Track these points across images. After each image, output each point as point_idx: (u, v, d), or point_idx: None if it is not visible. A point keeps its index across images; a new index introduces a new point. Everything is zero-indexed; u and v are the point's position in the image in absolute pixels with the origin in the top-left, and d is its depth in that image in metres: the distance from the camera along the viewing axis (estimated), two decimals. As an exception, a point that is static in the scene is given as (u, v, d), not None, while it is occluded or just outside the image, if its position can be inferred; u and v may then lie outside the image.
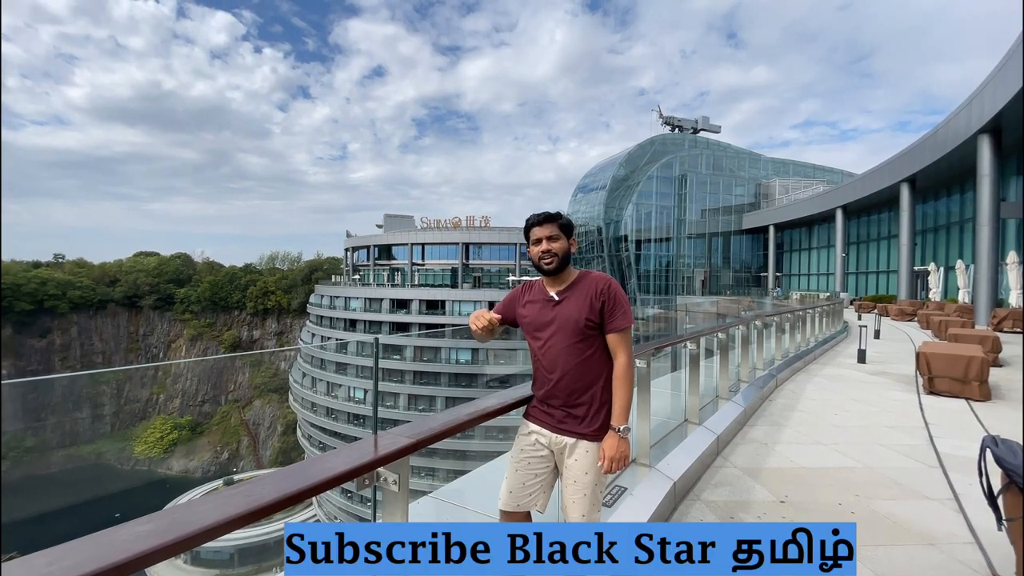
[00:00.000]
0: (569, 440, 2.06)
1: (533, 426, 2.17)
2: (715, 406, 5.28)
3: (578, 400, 2.06)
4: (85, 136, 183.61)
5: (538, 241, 2.12)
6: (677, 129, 57.54)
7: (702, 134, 57.76)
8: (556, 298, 2.12)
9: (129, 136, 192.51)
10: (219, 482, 61.17)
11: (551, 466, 2.14)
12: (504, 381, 49.22)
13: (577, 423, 2.05)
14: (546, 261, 2.10)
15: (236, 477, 63.82)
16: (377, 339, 2.07)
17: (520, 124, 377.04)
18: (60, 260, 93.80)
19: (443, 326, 50.97)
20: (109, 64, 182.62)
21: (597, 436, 2.04)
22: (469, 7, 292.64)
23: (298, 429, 60.35)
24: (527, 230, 2.17)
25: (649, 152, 51.76)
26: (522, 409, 2.25)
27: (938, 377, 7.06)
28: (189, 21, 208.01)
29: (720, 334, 5.43)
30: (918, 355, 7.31)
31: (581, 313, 2.04)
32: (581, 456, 2.03)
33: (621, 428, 1.99)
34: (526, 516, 2.12)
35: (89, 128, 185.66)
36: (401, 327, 51.85)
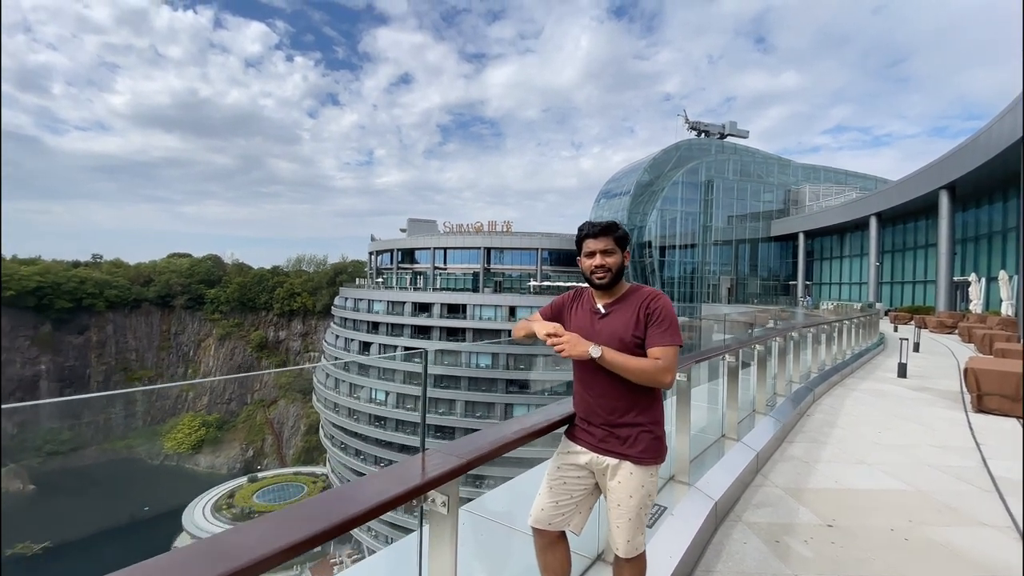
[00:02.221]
0: (611, 461, 1.96)
1: (574, 445, 2.07)
2: (752, 421, 5.09)
3: (620, 420, 1.95)
4: (125, 141, 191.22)
5: (591, 254, 2.02)
6: (703, 134, 56.74)
7: (729, 139, 56.82)
8: (603, 311, 2.02)
9: (166, 141, 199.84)
10: (244, 479, 62.49)
11: (589, 487, 2.04)
12: (524, 386, 49.03)
13: (619, 443, 1.95)
14: (599, 276, 2.00)
15: (260, 475, 65.07)
16: (426, 351, 1.97)
17: (543, 130, 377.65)
18: (98, 260, 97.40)
19: (464, 330, 51.01)
20: (149, 72, 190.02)
21: (642, 458, 1.93)
22: (495, 15, 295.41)
23: (321, 429, 61.19)
24: (580, 240, 2.08)
25: (674, 157, 51.13)
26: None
27: (988, 395, 6.70)
28: (225, 31, 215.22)
29: (758, 346, 5.25)
30: (966, 371, 6.95)
31: (628, 329, 1.93)
32: (625, 478, 1.93)
33: (594, 348, 1.82)
34: (560, 536, 2.03)
35: (129, 134, 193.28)
36: (422, 330, 52.15)
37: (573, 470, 2.03)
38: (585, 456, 2.01)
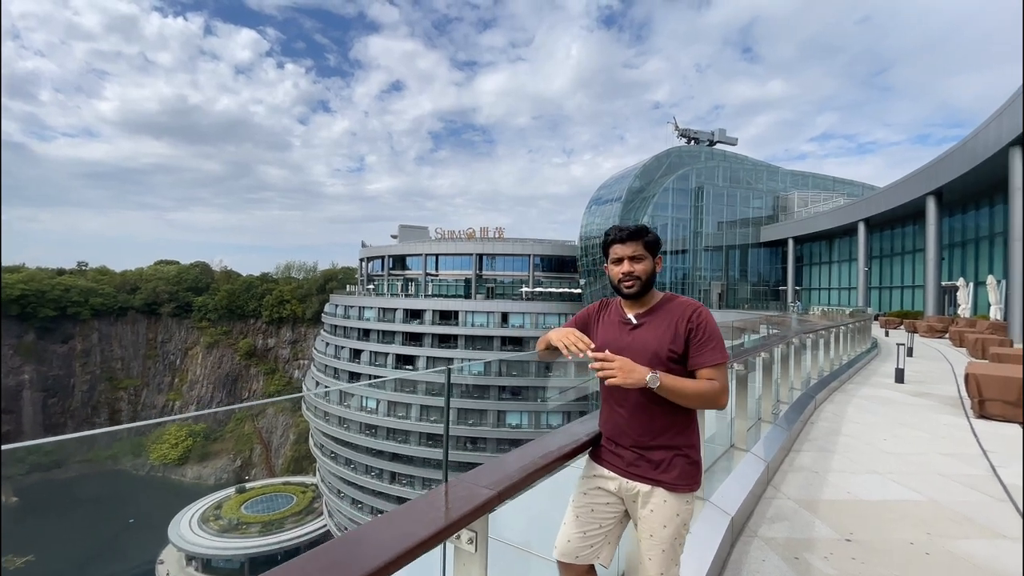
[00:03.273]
0: (643, 487, 1.79)
1: (600, 468, 1.91)
2: (758, 430, 4.99)
3: (653, 442, 1.79)
4: (114, 148, 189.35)
5: (619, 261, 1.87)
6: (693, 141, 57.24)
7: (719, 146, 57.36)
8: (634, 321, 1.87)
9: (156, 148, 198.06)
10: (231, 490, 61.37)
11: (618, 515, 1.87)
12: (516, 393, 48.76)
13: (652, 468, 1.78)
14: (627, 284, 1.84)
15: (248, 485, 63.95)
16: (449, 370, 1.82)
17: (535, 137, 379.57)
18: (83, 268, 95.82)
19: (456, 337, 50.71)
20: (139, 79, 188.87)
21: (677, 485, 1.76)
22: (486, 23, 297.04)
23: (310, 438, 60.34)
24: (606, 246, 1.92)
25: (665, 164, 51.48)
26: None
27: (990, 400, 6.67)
28: (215, 38, 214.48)
29: (763, 353, 5.16)
30: (967, 376, 6.93)
31: (663, 342, 1.77)
32: (659, 507, 1.76)
33: (650, 376, 1.65)
34: (588, 570, 1.87)
35: (118, 140, 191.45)
36: (414, 337, 51.76)
37: (601, 496, 1.87)
38: (614, 481, 1.86)
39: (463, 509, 1.22)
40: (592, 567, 1.88)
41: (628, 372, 1.65)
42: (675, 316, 1.81)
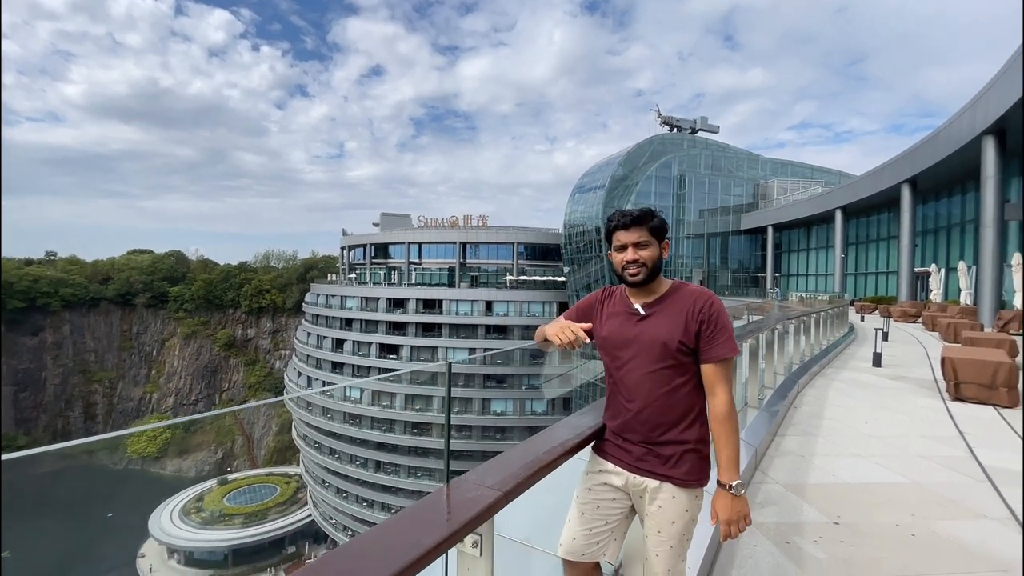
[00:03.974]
0: (651, 482, 1.73)
1: (605, 463, 1.84)
2: (744, 415, 5.04)
3: (663, 437, 1.73)
4: (81, 133, 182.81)
5: (622, 248, 1.78)
6: (676, 129, 57.39)
7: (700, 134, 57.63)
8: (641, 312, 1.78)
9: (125, 133, 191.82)
10: (213, 482, 60.67)
11: (625, 510, 1.82)
12: (501, 381, 48.95)
13: (661, 463, 1.72)
14: (632, 272, 1.75)
15: (230, 476, 63.28)
16: (450, 364, 1.74)
17: (518, 124, 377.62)
18: (52, 257, 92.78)
19: (440, 326, 50.54)
20: (106, 61, 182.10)
21: (687, 481, 1.71)
22: (468, 7, 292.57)
23: (293, 429, 59.83)
24: (609, 232, 1.83)
25: (648, 152, 51.57)
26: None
27: (965, 383, 6.85)
28: (187, 19, 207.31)
29: (750, 340, 5.19)
30: (943, 360, 7.10)
31: (672, 334, 1.70)
32: (667, 502, 1.71)
33: (734, 485, 1.64)
34: (594, 567, 1.83)
35: (85, 125, 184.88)
36: (397, 326, 51.42)
37: (607, 492, 1.81)
38: (620, 477, 1.79)
39: (468, 513, 1.14)
40: (598, 564, 1.83)
41: (740, 514, 1.66)
42: (685, 306, 1.73)
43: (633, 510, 1.84)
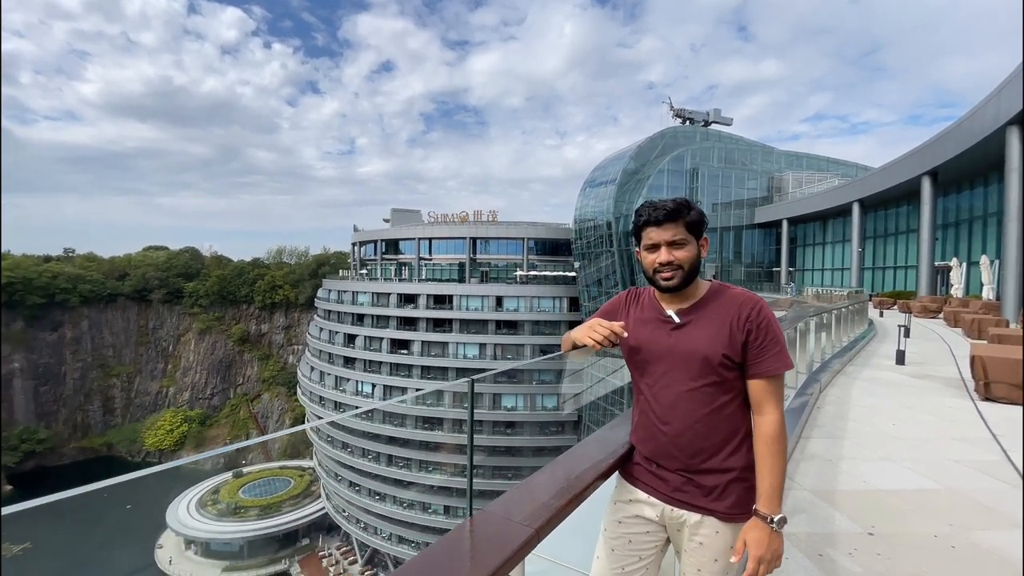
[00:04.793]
0: (691, 516, 1.54)
1: (636, 491, 1.64)
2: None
3: (704, 464, 1.52)
4: (97, 131, 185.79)
5: (654, 247, 1.56)
6: (688, 122, 56.66)
7: (714, 127, 56.81)
8: (676, 319, 1.57)
9: (140, 131, 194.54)
10: (228, 474, 61.56)
11: (659, 544, 1.63)
12: (511, 376, 48.91)
13: (702, 495, 1.53)
14: (665, 276, 1.54)
15: (245, 470, 64.16)
16: (472, 380, 1.61)
17: (528, 118, 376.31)
18: (70, 254, 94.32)
19: (451, 321, 50.55)
20: (121, 60, 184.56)
21: (731, 515, 1.51)
22: (478, 1, 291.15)
23: (306, 422, 60.43)
24: (638, 229, 1.61)
25: (660, 145, 50.97)
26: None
27: (995, 382, 6.61)
28: (200, 17, 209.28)
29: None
30: (973, 358, 6.86)
31: (714, 346, 1.49)
32: (710, 539, 1.52)
33: (775, 519, 1.43)
34: None
35: (101, 123, 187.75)
36: (408, 322, 51.57)
37: (639, 524, 1.62)
38: (654, 508, 1.60)
39: (496, 556, 0.97)
40: None
41: (775, 553, 1.42)
42: (729, 314, 1.53)
43: (668, 542, 1.66)
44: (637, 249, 1.67)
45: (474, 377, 1.51)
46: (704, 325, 1.54)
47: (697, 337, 1.53)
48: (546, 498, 1.27)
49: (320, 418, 53.71)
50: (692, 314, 1.58)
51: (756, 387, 1.51)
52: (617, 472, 1.72)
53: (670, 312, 1.60)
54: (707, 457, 1.53)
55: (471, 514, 1.17)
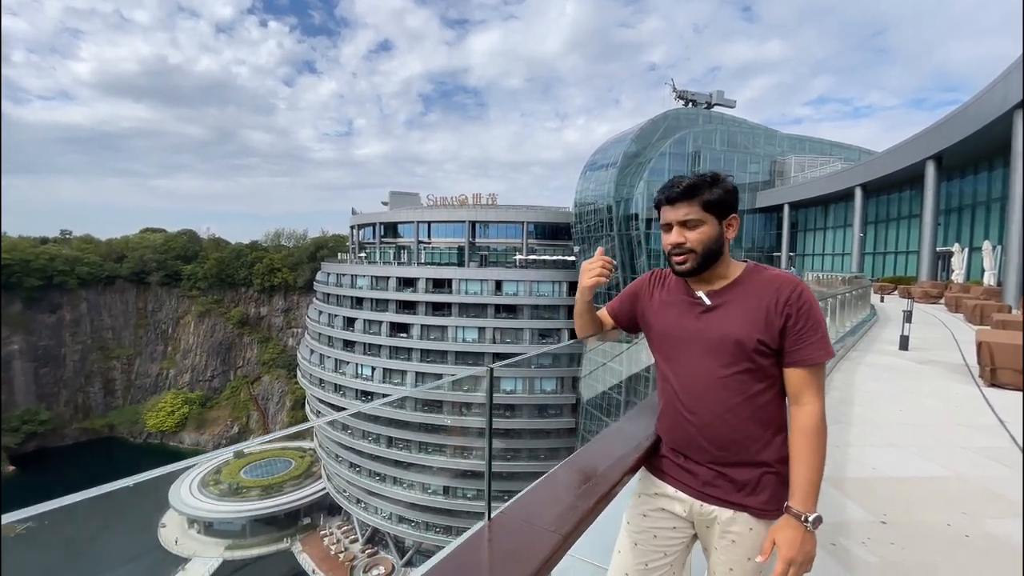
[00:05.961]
0: (723, 512, 1.45)
1: (663, 485, 1.55)
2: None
3: (736, 457, 1.43)
4: (92, 111, 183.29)
5: (668, 227, 1.46)
6: (691, 104, 55.93)
7: (716, 109, 56.13)
8: (707, 301, 1.47)
9: (135, 111, 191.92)
10: (230, 455, 62.12)
11: (685, 540, 1.55)
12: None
13: (735, 489, 1.43)
14: (677, 260, 1.45)
15: (246, 450, 64.72)
16: (491, 369, 1.50)
17: (528, 100, 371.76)
18: (67, 236, 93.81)
19: (450, 305, 50.51)
20: (115, 38, 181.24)
21: (766, 511, 1.42)
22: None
23: (307, 404, 60.84)
24: (657, 207, 1.51)
25: (662, 127, 50.40)
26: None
27: (1002, 368, 6.57)
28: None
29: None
30: (979, 344, 6.81)
31: (749, 330, 1.39)
32: (743, 536, 1.43)
33: (810, 518, 1.31)
34: None
35: (95, 103, 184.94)
36: (408, 305, 51.53)
37: (666, 519, 1.53)
38: (683, 504, 1.51)
39: (520, 570, 0.83)
40: None
41: (808, 556, 1.29)
42: (765, 296, 1.41)
43: (695, 538, 1.57)
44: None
45: (492, 366, 1.39)
46: (737, 308, 1.44)
47: (729, 321, 1.43)
48: (571, 498, 1.17)
49: (333, 406, 53.87)
50: (724, 296, 1.47)
51: (795, 376, 1.40)
52: (646, 466, 1.63)
53: (700, 293, 1.50)
54: (739, 449, 1.43)
55: (490, 516, 1.06)
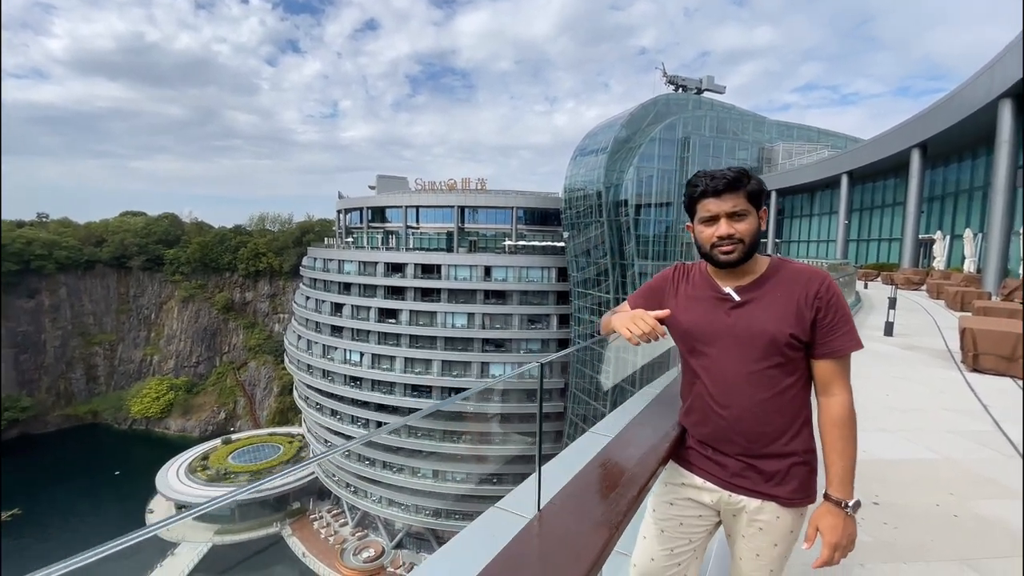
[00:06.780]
0: (751, 502, 1.49)
1: (692, 476, 1.59)
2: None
3: (766, 449, 1.46)
4: (66, 90, 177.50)
5: (711, 220, 1.45)
6: (681, 89, 55.83)
7: (707, 95, 56.10)
8: (736, 297, 1.48)
9: (111, 91, 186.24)
10: (217, 441, 61.87)
11: (709, 527, 1.60)
12: (500, 345, 49.35)
13: (763, 480, 1.48)
14: (725, 251, 1.44)
15: (234, 436, 64.49)
16: (542, 365, 1.50)
17: (517, 83, 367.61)
18: (44, 219, 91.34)
19: (439, 291, 50.38)
20: (88, 13, 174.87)
21: (793, 500, 1.47)
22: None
23: (295, 390, 60.60)
24: (692, 201, 1.49)
25: (652, 113, 50.29)
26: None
27: (984, 354, 6.76)
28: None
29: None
30: (963, 330, 6.99)
31: (781, 325, 1.41)
32: (770, 524, 1.48)
33: (850, 504, 1.39)
34: None
35: (69, 82, 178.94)
36: (396, 291, 51.30)
37: (692, 508, 1.58)
38: (712, 494, 1.55)
39: (575, 568, 0.84)
40: None
41: (851, 538, 1.38)
42: (795, 290, 1.44)
43: (718, 524, 1.62)
44: (688, 224, 1.57)
45: (542, 362, 1.39)
46: (768, 303, 1.46)
47: (761, 316, 1.45)
48: (615, 489, 1.19)
49: (321, 392, 53.61)
50: (753, 291, 1.49)
51: (824, 368, 1.45)
52: (674, 457, 1.67)
53: (728, 289, 1.51)
54: (769, 441, 1.47)
55: (539, 508, 1.07)
